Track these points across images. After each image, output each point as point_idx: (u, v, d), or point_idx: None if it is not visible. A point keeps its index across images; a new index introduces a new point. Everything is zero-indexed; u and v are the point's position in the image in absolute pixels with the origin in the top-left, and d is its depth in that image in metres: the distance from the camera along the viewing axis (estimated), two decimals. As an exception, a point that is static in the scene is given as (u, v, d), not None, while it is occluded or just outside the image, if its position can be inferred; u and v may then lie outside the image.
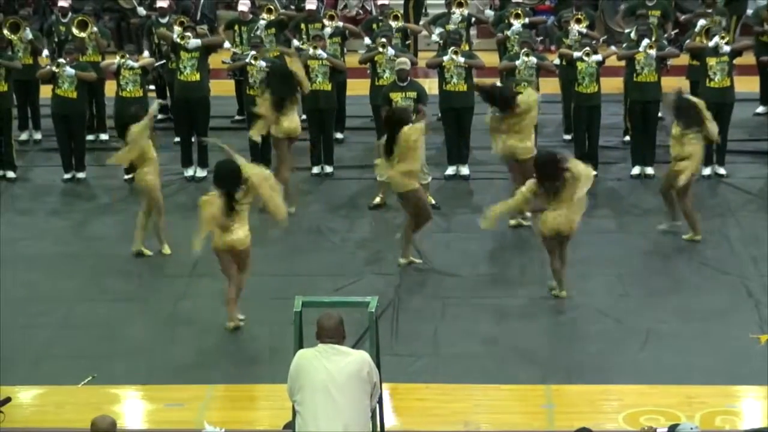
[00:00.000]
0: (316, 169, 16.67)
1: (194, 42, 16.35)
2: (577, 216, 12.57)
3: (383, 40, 16.53)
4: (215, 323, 12.36)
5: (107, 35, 18.69)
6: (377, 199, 15.52)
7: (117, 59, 16.28)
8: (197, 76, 16.39)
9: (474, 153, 16.69)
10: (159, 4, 18.40)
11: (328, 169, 16.74)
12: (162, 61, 17.22)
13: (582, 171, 12.54)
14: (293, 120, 15.16)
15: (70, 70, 16.15)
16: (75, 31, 17.50)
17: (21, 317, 12.56)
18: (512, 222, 14.44)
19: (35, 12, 22.85)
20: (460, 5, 18.34)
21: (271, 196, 12.07)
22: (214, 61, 17.39)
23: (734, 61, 16.38)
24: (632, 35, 17.03)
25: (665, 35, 18.23)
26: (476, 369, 11.36)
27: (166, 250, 14.03)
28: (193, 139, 16.72)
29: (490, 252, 14.25)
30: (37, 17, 22.51)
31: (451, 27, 17.95)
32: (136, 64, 16.26)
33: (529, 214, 14.05)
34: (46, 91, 16.75)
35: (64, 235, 15.03)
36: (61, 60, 16.28)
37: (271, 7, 18.26)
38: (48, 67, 16.47)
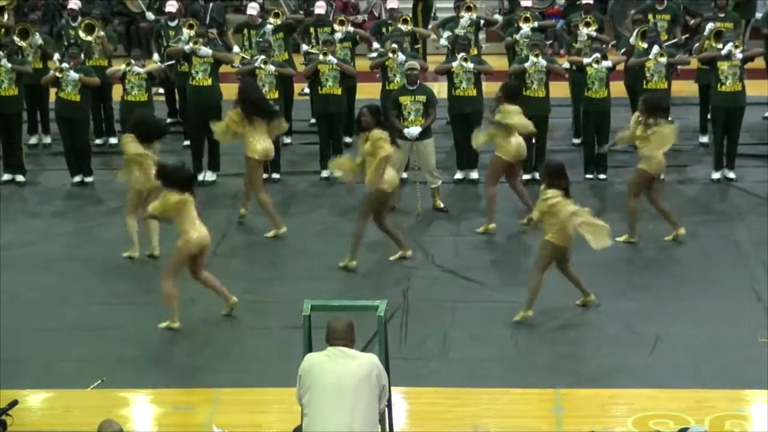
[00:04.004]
0: (325, 173, 16.66)
1: (205, 51, 16.36)
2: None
3: (394, 45, 16.52)
4: (224, 327, 12.37)
5: (114, 39, 18.66)
6: (387, 203, 15.48)
7: (122, 66, 16.32)
8: (209, 81, 16.41)
9: (483, 157, 16.66)
10: (168, 9, 18.42)
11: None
12: (171, 62, 17.21)
13: None
14: (268, 142, 14.64)
15: (74, 74, 16.15)
16: (81, 34, 17.49)
17: (30, 320, 12.58)
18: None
19: (44, 16, 22.86)
20: (468, 9, 18.32)
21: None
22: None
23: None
24: (631, 40, 17.05)
25: (675, 39, 18.20)
26: (485, 373, 11.34)
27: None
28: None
29: (499, 256, 14.24)
30: (47, 21, 22.52)
31: (459, 31, 17.93)
32: (141, 70, 16.28)
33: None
34: (55, 96, 16.75)
35: (74, 238, 15.04)
36: (65, 64, 16.30)
37: (278, 11, 18.29)
38: (51, 72, 16.49)
